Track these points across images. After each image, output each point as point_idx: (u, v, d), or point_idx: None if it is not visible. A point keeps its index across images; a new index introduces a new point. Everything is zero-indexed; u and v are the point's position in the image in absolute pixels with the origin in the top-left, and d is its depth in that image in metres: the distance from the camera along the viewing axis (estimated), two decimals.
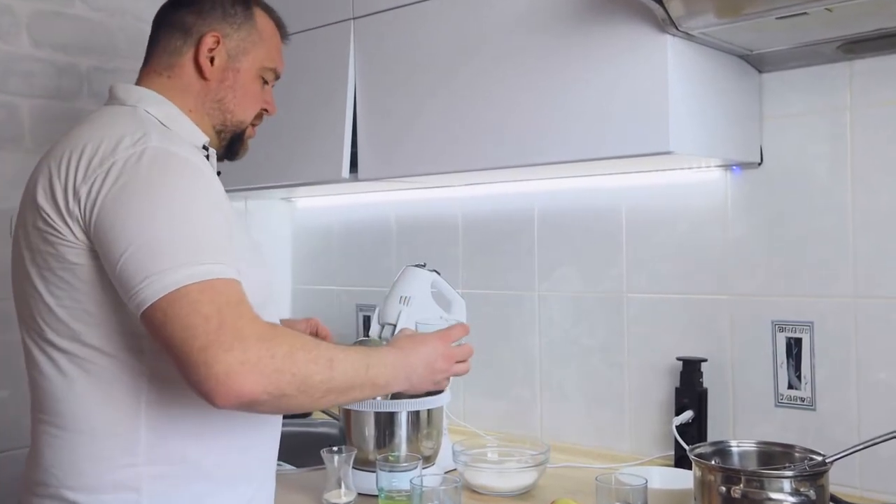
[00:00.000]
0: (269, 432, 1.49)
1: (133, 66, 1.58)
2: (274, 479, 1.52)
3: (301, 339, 1.27)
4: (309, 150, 2.24)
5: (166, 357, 1.26)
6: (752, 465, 1.64)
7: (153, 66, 1.52)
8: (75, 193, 1.27)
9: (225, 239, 1.28)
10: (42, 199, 1.31)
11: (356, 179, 2.17)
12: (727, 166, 1.96)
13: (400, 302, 1.97)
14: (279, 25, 1.62)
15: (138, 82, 1.52)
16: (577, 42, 1.74)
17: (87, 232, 1.27)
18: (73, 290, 1.31)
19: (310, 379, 1.24)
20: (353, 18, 2.16)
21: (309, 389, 1.24)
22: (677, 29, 1.58)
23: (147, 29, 1.57)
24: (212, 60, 1.50)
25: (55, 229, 1.29)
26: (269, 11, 1.61)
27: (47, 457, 1.36)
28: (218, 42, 1.50)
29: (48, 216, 1.30)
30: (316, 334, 1.85)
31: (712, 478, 1.51)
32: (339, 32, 2.19)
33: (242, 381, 1.16)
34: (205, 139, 1.50)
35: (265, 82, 1.59)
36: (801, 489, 1.45)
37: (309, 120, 2.24)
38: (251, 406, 1.20)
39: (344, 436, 1.92)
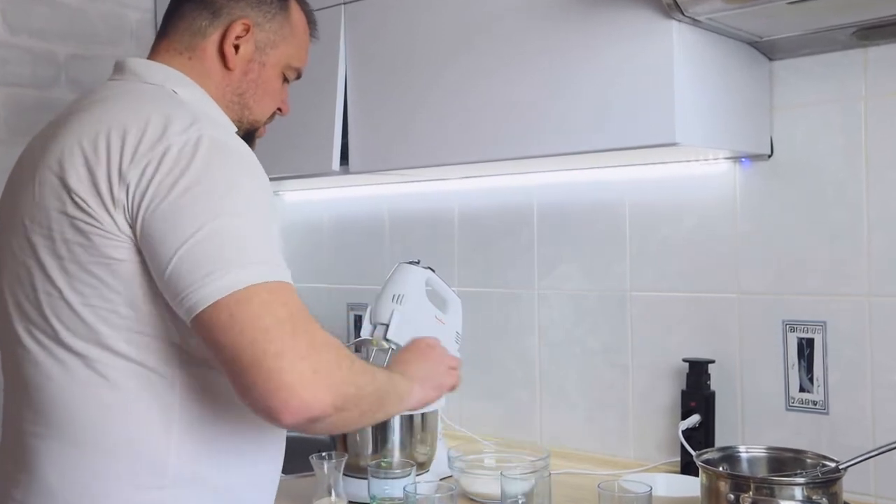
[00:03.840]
0: (281, 454, 1.45)
1: (114, 54, 1.56)
2: None
3: (347, 349, 1.26)
4: (297, 141, 2.23)
5: (203, 371, 1.24)
6: (762, 472, 1.64)
7: (172, 42, 1.43)
8: (122, 178, 1.18)
9: (278, 240, 1.27)
10: (76, 182, 1.21)
11: (347, 172, 2.17)
12: (736, 159, 1.95)
13: (393, 301, 1.96)
14: (311, 22, 1.57)
15: (153, 57, 1.43)
16: (579, 28, 1.74)
17: (132, 223, 1.19)
18: (104, 288, 1.22)
19: (363, 391, 1.24)
20: (344, 3, 2.16)
21: (361, 403, 1.23)
22: (683, 14, 1.57)
23: (130, 15, 1.54)
24: (237, 49, 1.43)
25: (93, 217, 1.20)
26: (304, 5, 1.56)
27: (51, 477, 1.25)
28: (247, 30, 1.43)
29: (85, 202, 1.20)
30: None
31: (720, 485, 1.51)
32: (329, 18, 2.18)
33: (314, 392, 1.14)
34: (234, 128, 1.42)
35: (285, 80, 1.54)
36: (814, 497, 1.44)
37: (297, 110, 2.22)
38: (315, 421, 1.17)
39: (334, 441, 1.91)
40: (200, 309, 1.14)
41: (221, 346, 1.15)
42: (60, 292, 1.24)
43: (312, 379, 1.14)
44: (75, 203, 1.21)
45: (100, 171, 1.20)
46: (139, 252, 1.20)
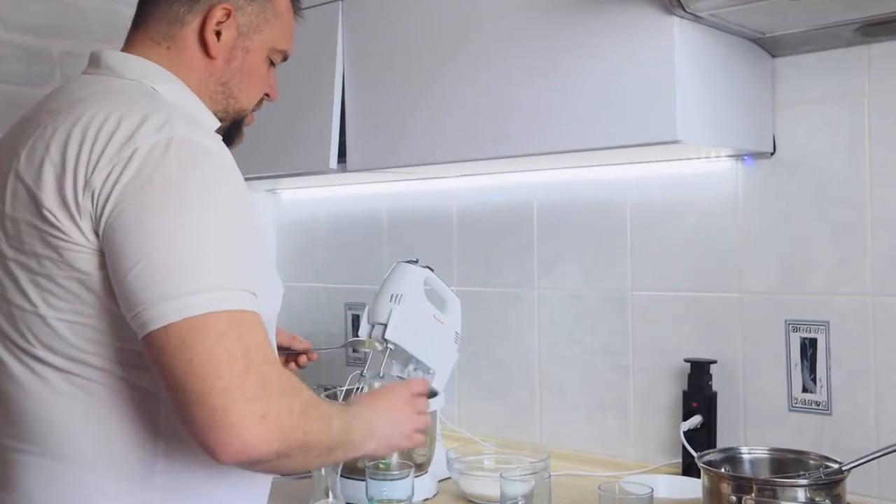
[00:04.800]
0: None
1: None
2: None
3: (309, 392, 1.22)
4: (294, 139, 2.23)
5: None
6: (765, 474, 1.64)
7: (149, 32, 1.37)
8: (87, 185, 1.14)
9: (250, 257, 1.20)
10: (45, 194, 1.17)
11: (344, 170, 2.16)
12: (738, 156, 1.95)
13: (391, 300, 1.96)
14: (295, 1, 1.51)
15: (129, 49, 1.37)
16: (579, 25, 1.73)
17: (97, 230, 1.14)
18: (78, 303, 1.18)
19: (313, 439, 1.19)
20: None
21: (309, 450, 1.19)
22: (685, 10, 1.57)
23: (124, 11, 1.52)
24: (218, 35, 1.37)
25: (60, 230, 1.16)
26: None
27: (35, 493, 1.22)
28: (228, 15, 1.36)
29: (53, 215, 1.16)
30: (288, 348, 1.79)
31: (722, 487, 1.51)
32: (326, 14, 2.17)
33: (258, 437, 1.10)
34: (217, 124, 1.38)
35: (271, 63, 1.48)
36: (817, 498, 1.44)
37: (294, 107, 2.23)
38: (253, 464, 1.14)
39: None
40: (152, 328, 1.10)
41: (168, 370, 1.10)
42: (35, 307, 1.20)
43: (258, 423, 1.10)
44: (44, 217, 1.17)
45: (67, 181, 1.16)
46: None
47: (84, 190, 1.14)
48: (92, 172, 1.14)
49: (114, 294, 1.16)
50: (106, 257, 1.15)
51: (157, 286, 1.10)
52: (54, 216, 1.16)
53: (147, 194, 1.13)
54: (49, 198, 1.17)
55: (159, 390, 1.20)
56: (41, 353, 1.21)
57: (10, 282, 1.22)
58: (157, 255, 1.11)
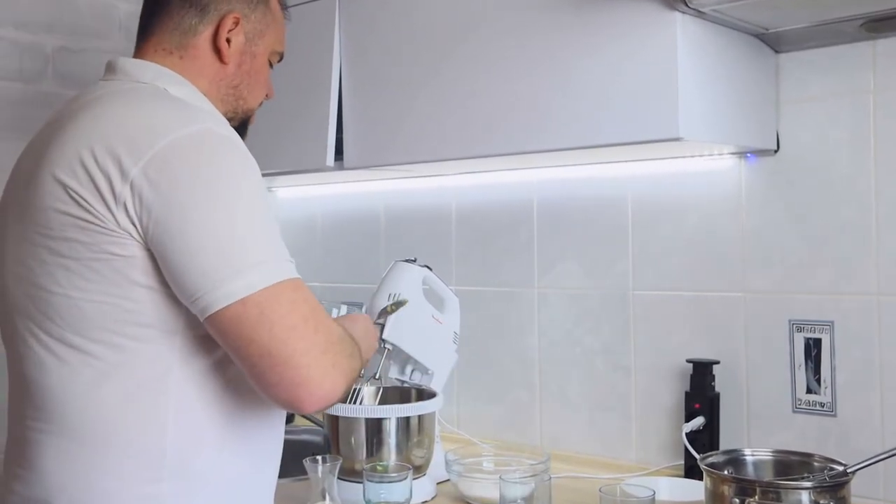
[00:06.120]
0: (278, 445, 1.48)
1: (102, 47, 1.55)
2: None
3: (349, 333, 1.36)
4: (291, 136, 2.23)
5: (198, 361, 1.29)
6: (768, 476, 1.64)
7: (161, 43, 1.46)
8: (124, 176, 1.22)
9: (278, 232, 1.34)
10: (76, 185, 1.24)
11: (341, 168, 2.16)
12: (741, 154, 1.95)
13: (389, 300, 1.96)
14: (283, 5, 1.62)
15: (141, 57, 1.47)
16: (581, 21, 1.73)
17: (136, 220, 1.22)
18: (106, 283, 1.25)
19: (356, 367, 1.36)
20: None
21: (353, 381, 1.35)
22: (687, 6, 1.57)
23: (119, 6, 1.54)
24: (228, 42, 1.47)
25: (94, 215, 1.23)
26: None
27: (51, 471, 1.29)
28: (237, 23, 1.48)
29: (85, 201, 1.23)
30: None
31: (725, 489, 1.51)
32: (323, 10, 2.17)
33: (334, 383, 1.25)
34: (226, 122, 1.44)
35: (270, 66, 1.60)
36: (821, 501, 1.44)
37: (291, 104, 2.22)
38: (328, 406, 1.29)
39: (329, 444, 1.90)
40: (225, 304, 1.21)
41: (249, 341, 1.22)
42: (62, 289, 1.27)
43: (332, 372, 1.25)
44: (76, 202, 1.24)
45: (100, 172, 1.23)
46: (140, 247, 1.24)
47: (122, 180, 1.22)
48: (129, 163, 1.22)
49: (140, 277, 1.25)
50: (155, 248, 1.23)
51: (223, 266, 1.21)
52: (87, 202, 1.23)
53: (191, 186, 1.22)
54: (80, 187, 1.24)
55: (172, 370, 1.29)
56: (67, 335, 1.28)
57: (39, 267, 1.29)
58: (215, 238, 1.22)
